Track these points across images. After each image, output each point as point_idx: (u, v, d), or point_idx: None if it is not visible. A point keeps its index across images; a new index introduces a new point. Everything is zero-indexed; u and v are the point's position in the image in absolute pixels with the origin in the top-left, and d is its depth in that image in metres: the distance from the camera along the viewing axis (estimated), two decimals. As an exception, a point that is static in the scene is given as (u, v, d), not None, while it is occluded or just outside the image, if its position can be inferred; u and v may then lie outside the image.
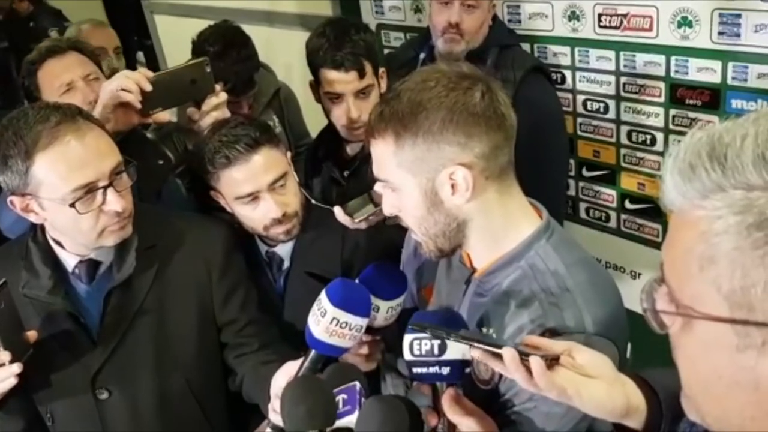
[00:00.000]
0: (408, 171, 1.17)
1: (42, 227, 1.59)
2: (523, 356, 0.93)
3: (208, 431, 1.71)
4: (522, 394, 1.14)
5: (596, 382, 0.95)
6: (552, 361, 0.95)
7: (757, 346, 0.61)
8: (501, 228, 1.22)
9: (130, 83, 1.66)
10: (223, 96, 1.79)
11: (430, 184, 1.16)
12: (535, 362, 0.91)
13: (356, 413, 1.10)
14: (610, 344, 1.13)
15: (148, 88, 1.67)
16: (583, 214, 2.77)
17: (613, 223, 2.69)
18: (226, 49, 2.41)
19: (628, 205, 2.61)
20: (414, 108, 1.14)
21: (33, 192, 1.44)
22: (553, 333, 1.12)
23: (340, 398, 1.13)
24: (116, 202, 1.45)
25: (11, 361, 1.40)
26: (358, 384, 1.16)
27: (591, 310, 1.13)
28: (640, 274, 2.66)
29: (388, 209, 1.26)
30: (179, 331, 1.63)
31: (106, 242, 1.52)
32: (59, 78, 2.02)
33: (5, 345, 1.41)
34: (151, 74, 1.69)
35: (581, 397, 0.93)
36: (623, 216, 2.65)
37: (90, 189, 1.43)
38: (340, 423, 1.08)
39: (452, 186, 1.15)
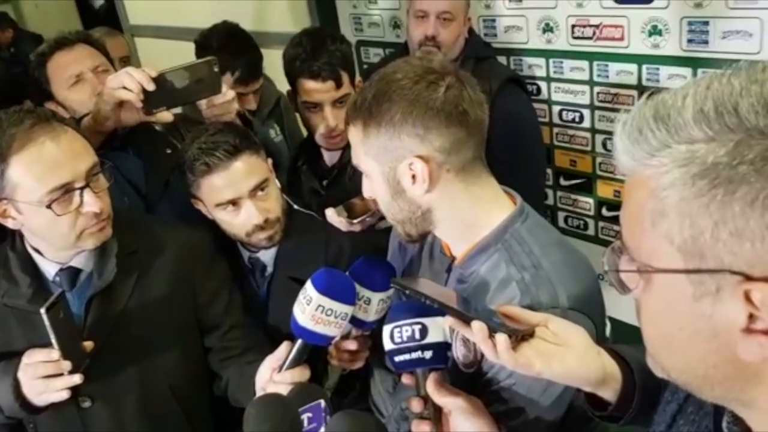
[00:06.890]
0: (374, 159, 1.21)
1: (21, 236, 1.58)
2: (492, 331, 0.96)
3: (192, 437, 1.70)
4: (502, 372, 1.16)
5: (569, 350, 0.98)
6: (525, 337, 0.97)
7: (711, 293, 0.63)
8: (470, 216, 1.24)
9: (131, 82, 1.64)
10: (230, 94, 1.79)
11: (393, 173, 1.20)
12: (500, 339, 0.95)
13: (322, 430, 1.11)
14: (586, 318, 1.15)
15: (151, 87, 1.63)
16: (561, 223, 2.81)
17: (591, 231, 2.73)
18: (231, 40, 2.45)
19: (605, 212, 2.66)
20: (380, 98, 1.18)
21: (9, 196, 1.43)
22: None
23: (305, 416, 1.13)
24: (94, 203, 1.45)
25: (71, 372, 1.41)
26: (322, 402, 1.17)
27: (565, 286, 1.15)
28: (618, 280, 2.68)
29: (366, 193, 1.30)
30: (162, 337, 1.63)
31: (86, 245, 1.51)
32: (68, 69, 1.99)
33: (65, 355, 1.41)
34: (155, 72, 1.66)
35: (551, 368, 0.96)
36: (601, 223, 2.69)
37: (66, 190, 1.43)
38: None
39: (412, 177, 1.18)
